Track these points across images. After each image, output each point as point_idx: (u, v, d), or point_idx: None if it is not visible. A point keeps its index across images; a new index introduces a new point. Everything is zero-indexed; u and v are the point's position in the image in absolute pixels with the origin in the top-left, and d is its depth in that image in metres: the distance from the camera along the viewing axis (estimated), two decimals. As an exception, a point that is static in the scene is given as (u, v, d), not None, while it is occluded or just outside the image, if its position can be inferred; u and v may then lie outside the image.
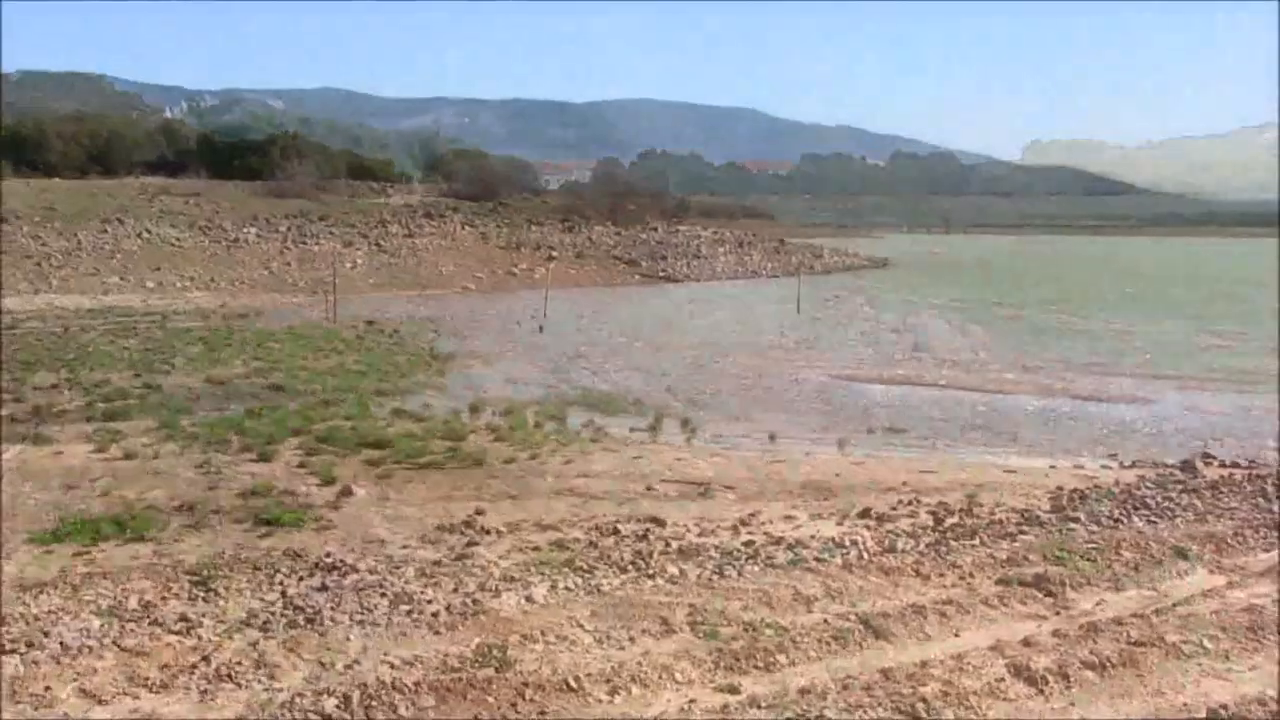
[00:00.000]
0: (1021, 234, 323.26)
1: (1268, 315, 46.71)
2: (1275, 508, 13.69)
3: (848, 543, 11.74)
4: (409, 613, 9.21)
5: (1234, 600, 9.60)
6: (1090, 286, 72.45)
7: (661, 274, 74.84)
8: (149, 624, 8.93)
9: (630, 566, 10.70)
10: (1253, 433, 21.14)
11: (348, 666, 7.96)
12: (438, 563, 10.94)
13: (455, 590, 9.87)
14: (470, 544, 11.74)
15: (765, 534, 12.34)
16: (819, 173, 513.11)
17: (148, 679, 7.75)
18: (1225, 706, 7.21)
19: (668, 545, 11.67)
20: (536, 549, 11.50)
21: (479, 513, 13.22)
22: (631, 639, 8.40)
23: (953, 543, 11.71)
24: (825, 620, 8.80)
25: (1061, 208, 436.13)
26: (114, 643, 8.50)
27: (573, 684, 7.49)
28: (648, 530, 12.41)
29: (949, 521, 13.02)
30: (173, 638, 8.63)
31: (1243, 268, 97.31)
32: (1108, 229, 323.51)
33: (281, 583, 10.15)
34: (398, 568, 10.67)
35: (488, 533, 12.28)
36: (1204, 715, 7.15)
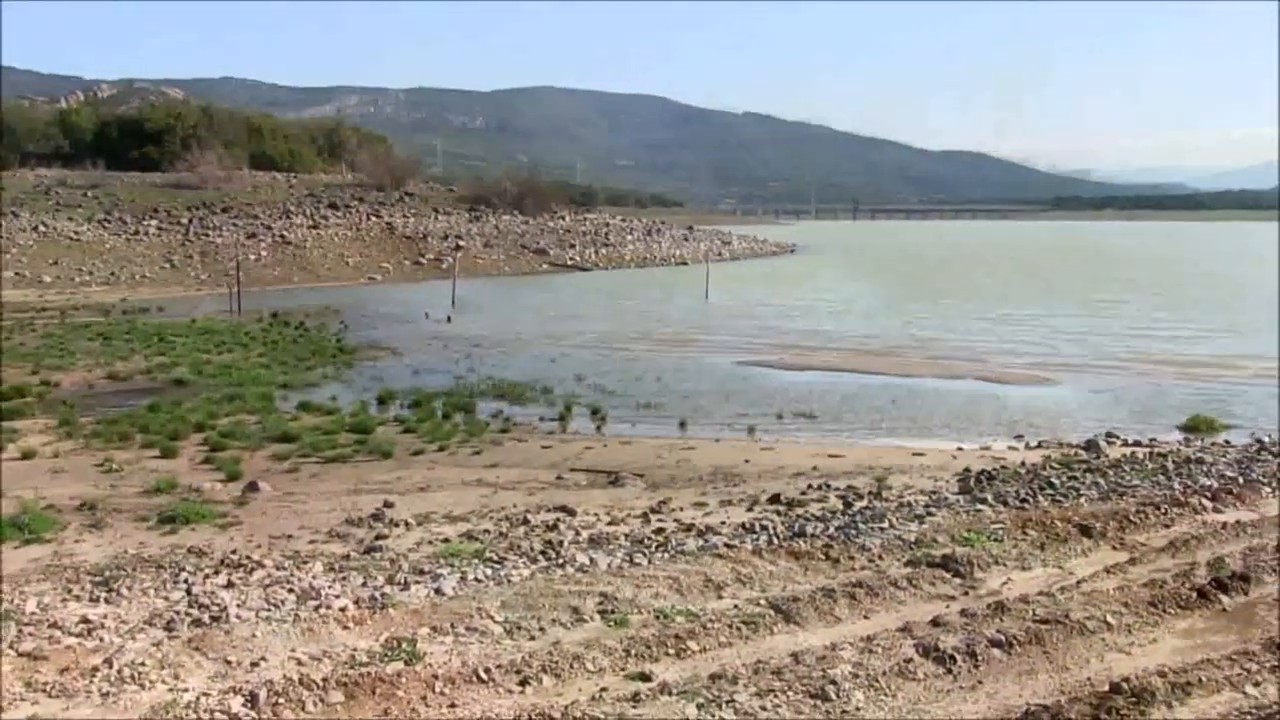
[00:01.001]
0: (927, 218, 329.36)
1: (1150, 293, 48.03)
2: (1175, 484, 14.05)
3: (758, 528, 11.80)
4: (317, 608, 9.04)
5: (1136, 575, 9.80)
6: (992, 269, 73.86)
7: (570, 262, 74.73)
8: (48, 627, 8.66)
9: (540, 556, 10.63)
10: (1155, 413, 21.70)
11: (254, 664, 7.79)
12: (346, 557, 10.77)
13: (364, 584, 9.72)
14: (379, 537, 11.59)
15: (676, 521, 12.35)
16: (727, 159, 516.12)
17: (47, 684, 7.49)
18: (1127, 679, 7.35)
19: (578, 534, 11.62)
20: (446, 541, 11.38)
21: (388, 505, 13.06)
22: (542, 629, 8.33)
23: (862, 526, 11.80)
24: (736, 606, 8.81)
25: (966, 190, 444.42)
26: (11, 648, 8.22)
27: (483, 676, 7.40)
28: (558, 520, 12.36)
29: (858, 505, 13.15)
30: (73, 640, 8.38)
31: (1146, 249, 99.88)
32: (1014, 212, 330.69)
33: (186, 581, 9.91)
34: (305, 563, 10.48)
35: (396, 525, 12.13)
36: (1107, 689, 7.28)
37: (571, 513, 12.75)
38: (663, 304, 48.48)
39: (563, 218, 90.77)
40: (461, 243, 73.55)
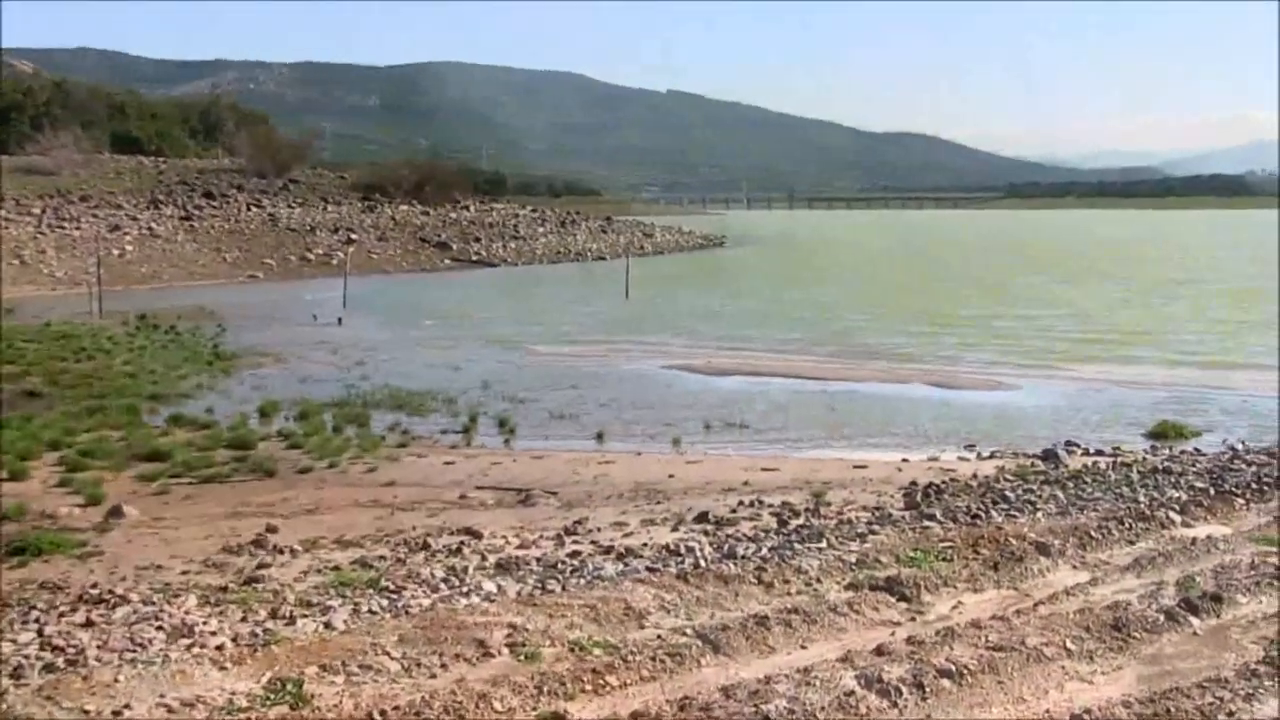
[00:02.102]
0: (871, 206, 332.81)
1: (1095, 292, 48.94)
2: (1141, 496, 14.32)
3: (683, 550, 11.83)
4: (189, 647, 8.91)
5: (1098, 597, 9.93)
6: (938, 262, 74.86)
7: (475, 257, 74.47)
8: (-126, 675, 8.45)
9: (442, 584, 10.57)
10: (1119, 419, 22.11)
11: (116, 713, 7.63)
12: (224, 588, 10.63)
13: (244, 619, 9.60)
14: (261, 566, 11.45)
15: (593, 543, 12.35)
16: (650, 143, 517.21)
17: None
18: (1089, 711, 7.46)
19: (484, 559, 11.58)
20: (336, 568, 11.28)
21: (271, 530, 12.91)
22: (444, 665, 8.27)
23: (798, 546, 11.88)
24: (659, 636, 8.82)
25: (914, 177, 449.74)
26: None
27: (378, 719, 7.35)
28: (462, 543, 12.30)
29: (794, 523, 13.24)
30: (-97, 689, 8.17)
31: (1120, 241, 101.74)
32: (964, 200, 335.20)
33: (38, 620, 9.71)
34: (176, 596, 10.33)
35: (281, 552, 12.00)
36: (1066, 721, 7.39)
37: (477, 535, 12.70)
38: (579, 303, 48.45)
39: (467, 208, 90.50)
40: (354, 236, 72.99)
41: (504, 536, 12.71)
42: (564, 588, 10.38)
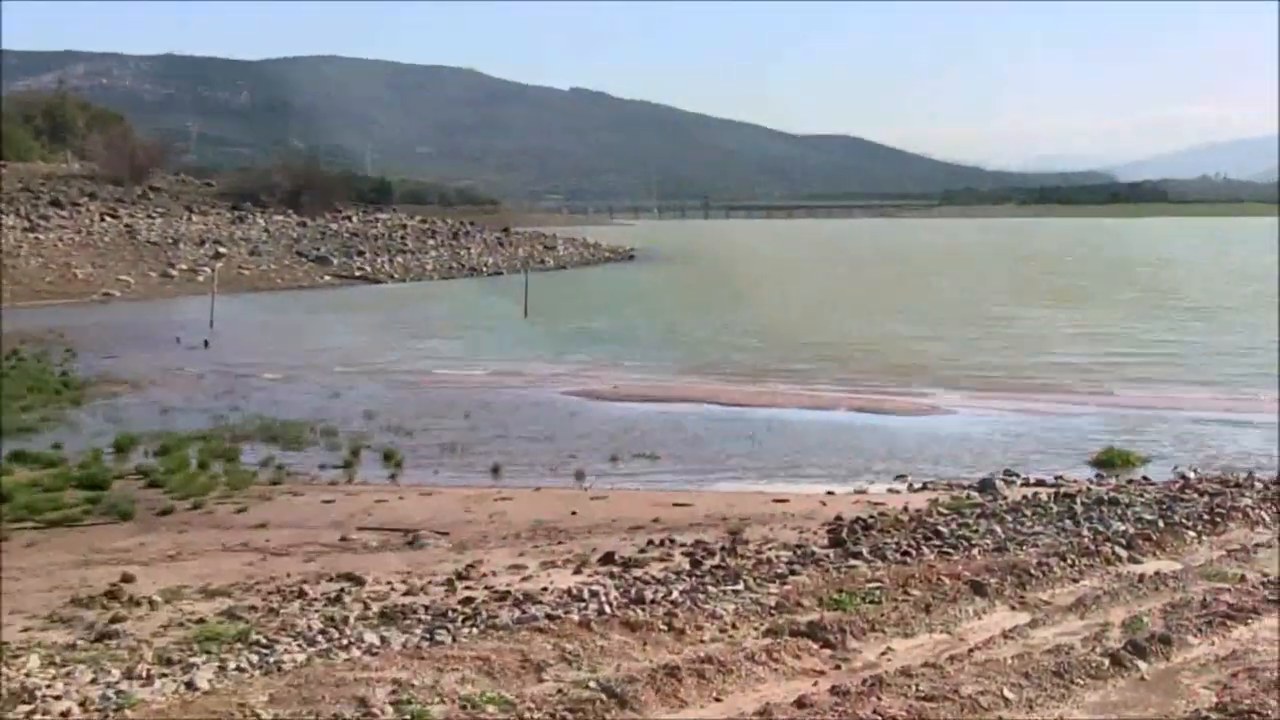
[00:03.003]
0: (794, 216, 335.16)
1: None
2: (1084, 530, 14.53)
3: (587, 594, 11.83)
4: (30, 714, 8.76)
5: (1038, 641, 10.06)
6: (864, 276, 75.69)
7: (359, 272, 74.05)
8: None
9: (320, 637, 10.48)
10: (1062, 445, 22.47)
11: (-57, 792, 7.52)
12: (71, 646, 10.44)
13: (93, 680, 9.43)
14: (114, 620, 11.26)
15: (487, 588, 12.31)
16: (551, 146, 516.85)
17: None
18: (1027, 764, 7.57)
19: (367, 608, 11.50)
20: (201, 621, 11.13)
21: (126, 579, 12.70)
22: (322, 727, 8.23)
23: (712, 589, 11.93)
24: (560, 690, 8.81)
25: (843, 183, 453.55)
26: None
27: (246, 789, 7.28)
28: (342, 590, 12.20)
29: (708, 563, 13.29)
30: None
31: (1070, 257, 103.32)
32: (895, 210, 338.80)
33: None
34: (16, 657, 10.11)
35: (138, 604, 11.81)
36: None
37: (359, 581, 12.60)
38: (472, 324, 48.35)
39: (349, 218, 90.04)
40: (223, 250, 72.21)
41: (389, 582, 12.62)
42: (455, 638, 10.34)
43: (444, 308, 57.16)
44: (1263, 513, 15.21)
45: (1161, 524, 14.61)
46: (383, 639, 10.37)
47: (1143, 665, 9.23)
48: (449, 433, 23.51)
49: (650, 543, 14.50)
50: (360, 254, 78.45)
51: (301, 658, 9.86)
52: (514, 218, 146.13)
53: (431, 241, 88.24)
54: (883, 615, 10.60)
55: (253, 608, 11.62)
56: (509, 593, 12.07)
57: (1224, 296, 58.27)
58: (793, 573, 12.59)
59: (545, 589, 12.21)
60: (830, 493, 18.19)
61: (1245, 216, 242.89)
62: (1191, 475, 18.68)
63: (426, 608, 11.51)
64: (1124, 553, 12.95)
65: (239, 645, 10.22)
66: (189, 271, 66.51)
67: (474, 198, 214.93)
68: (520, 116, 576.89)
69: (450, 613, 11.29)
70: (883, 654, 9.75)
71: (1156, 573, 12.12)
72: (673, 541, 14.53)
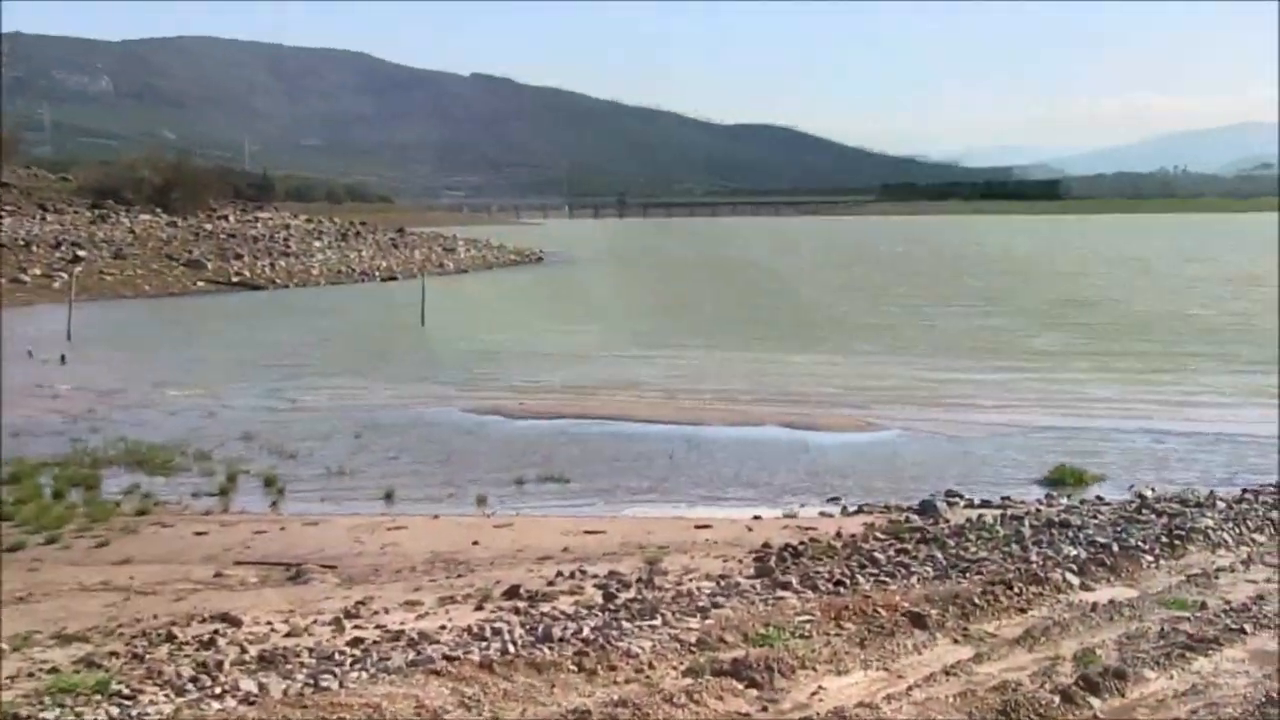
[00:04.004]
0: (719, 214, 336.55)
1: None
2: (1033, 555, 14.66)
3: (489, 633, 11.79)
4: None
5: (982, 677, 10.13)
6: (796, 282, 76.16)
7: (236, 278, 73.47)
8: None
9: (190, 685, 10.36)
10: (1009, 463, 22.69)
11: None
12: (-98, 703, 10.28)
13: (-70, 739, 9.31)
14: (-46, 671, 11.09)
15: (379, 627, 12.24)
16: (451, 137, 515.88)
17: None
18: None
19: (244, 651, 11.38)
20: (55, 670, 10.96)
21: (-32, 625, 12.50)
22: (191, 786, 8.16)
23: (627, 624, 11.93)
24: (459, 739, 8.81)
25: (773, 177, 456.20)
26: None
27: None
28: (216, 633, 12.07)
29: (623, 596, 13.28)
30: None
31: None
32: (830, 205, 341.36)
33: None
34: None
35: (-18, 652, 11.63)
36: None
37: (235, 623, 12.49)
38: (364, 333, 48.13)
39: (225, 218, 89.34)
40: (82, 253, 71.28)
41: (269, 622, 12.51)
42: (342, 683, 10.26)
43: (331, 315, 56.81)
44: (1225, 534, 15.36)
45: (1116, 548, 14.70)
46: (261, 686, 10.28)
47: (1096, 702, 9.30)
48: (337, 455, 23.33)
49: (559, 574, 14.48)
50: (238, 257, 77.82)
51: (169, 709, 9.76)
52: (410, 217, 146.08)
53: (318, 243, 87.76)
54: (814, 651, 10.62)
55: (114, 654, 11.45)
56: (403, 632, 12.00)
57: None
58: (715, 605, 12.61)
59: (443, 627, 12.16)
60: (757, 517, 18.24)
61: (1206, 213, 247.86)
62: (1149, 494, 18.74)
63: (311, 650, 11.42)
64: (1075, 579, 13.05)
65: (97, 697, 10.09)
66: (43, 277, 65.58)
67: (365, 195, 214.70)
68: (417, 105, 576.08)
69: (337, 655, 11.21)
70: (813, 694, 9.77)
71: (1111, 601, 12.22)
72: (584, 573, 14.52)
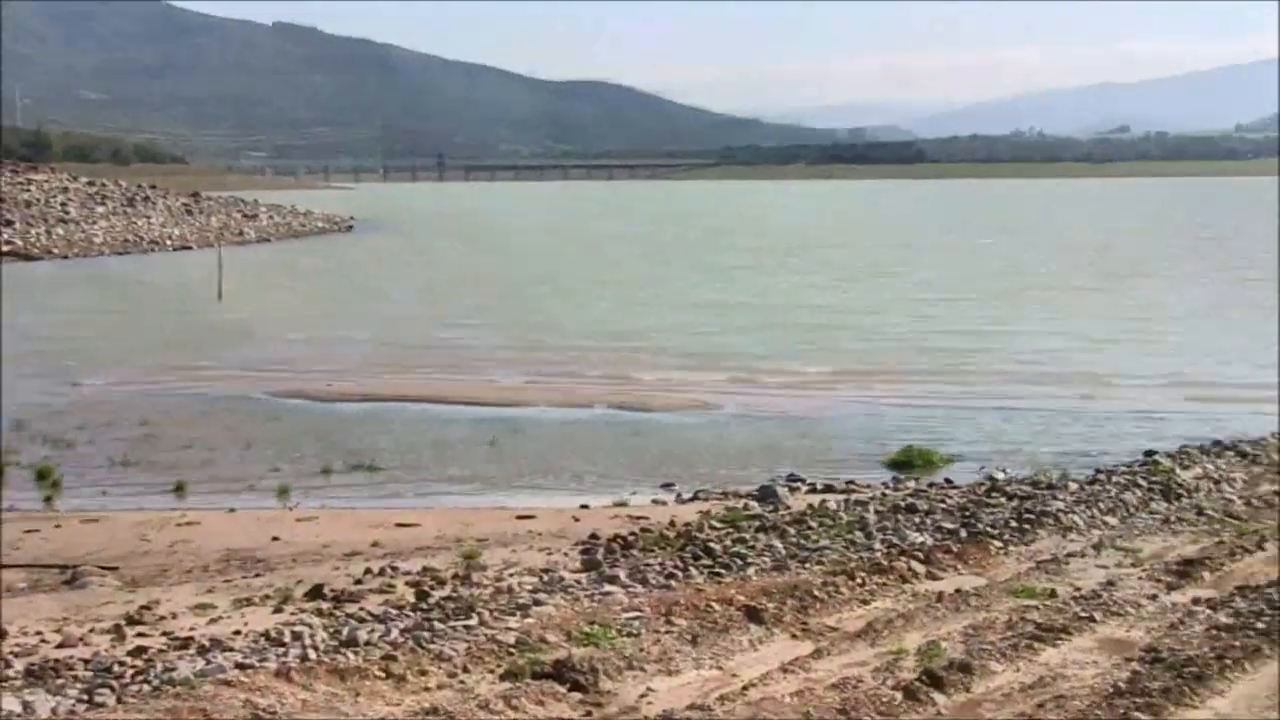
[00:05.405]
0: (546, 177, 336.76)
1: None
2: (877, 543, 14.84)
3: (288, 637, 11.62)
4: None
5: (821, 674, 10.22)
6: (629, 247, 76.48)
7: (7, 247, 71.75)
8: None
9: (-56, 706, 10.11)
10: (854, 443, 22.99)
11: None
12: None
13: None
14: None
15: (165, 634, 11.98)
16: (251, 92, 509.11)
17: None
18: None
19: (9, 666, 11.08)
20: None
21: None
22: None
23: (440, 625, 11.83)
24: (252, 756, 8.69)
25: (604, 138, 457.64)
26: None
27: None
28: (-24, 646, 11.77)
29: (437, 595, 13.18)
30: None
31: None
32: (666, 169, 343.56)
33: None
34: None
35: None
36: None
37: (0, 634, 12.18)
38: (152, 309, 47.34)
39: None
40: None
41: (39, 632, 12.19)
42: (120, 698, 10.05)
43: (117, 289, 55.81)
44: (1076, 518, 15.69)
45: (964, 533, 14.98)
46: (26, 705, 10.01)
47: (939, 698, 9.42)
48: (121, 444, 22.93)
49: (368, 572, 14.34)
50: (9, 224, 76.04)
51: (-86, 736, 9.48)
52: (206, 180, 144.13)
53: (101, 209, 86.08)
54: (642, 650, 10.64)
55: None
56: (192, 639, 11.77)
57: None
58: (537, 603, 12.56)
59: (238, 632, 11.96)
60: (585, 506, 18.31)
61: (1061, 178, 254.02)
62: (1000, 476, 19.07)
63: (86, 662, 11.15)
64: (921, 568, 13.23)
65: None
66: None
67: (156, 155, 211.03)
68: (213, 56, 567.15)
69: (117, 667, 10.96)
70: (642, 696, 9.79)
71: (958, 590, 12.41)
72: (395, 569, 14.39)
